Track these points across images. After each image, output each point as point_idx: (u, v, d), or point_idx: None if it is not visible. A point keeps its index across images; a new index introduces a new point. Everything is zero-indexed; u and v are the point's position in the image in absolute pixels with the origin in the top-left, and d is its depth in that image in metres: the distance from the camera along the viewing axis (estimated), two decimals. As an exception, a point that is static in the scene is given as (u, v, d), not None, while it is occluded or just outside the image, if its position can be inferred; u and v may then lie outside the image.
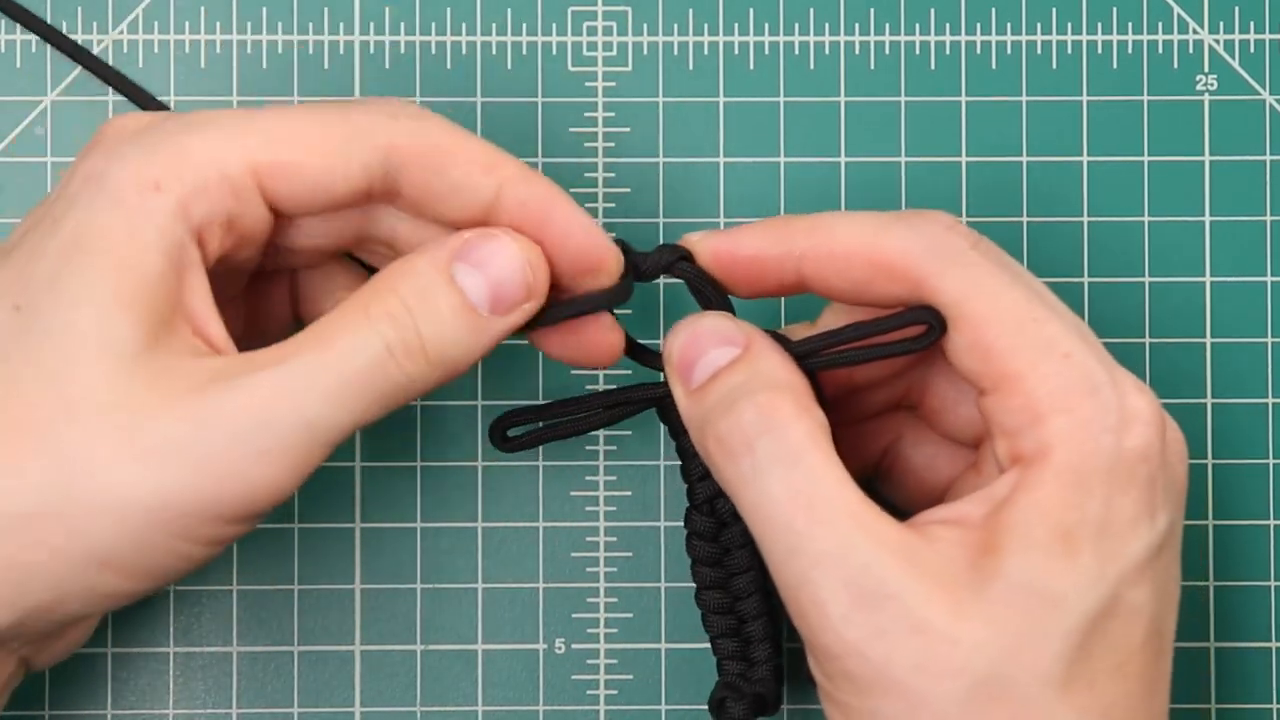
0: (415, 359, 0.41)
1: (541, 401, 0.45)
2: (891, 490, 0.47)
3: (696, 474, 0.45)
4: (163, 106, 0.50)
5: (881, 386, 0.46)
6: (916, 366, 0.45)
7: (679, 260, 0.44)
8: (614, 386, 0.48)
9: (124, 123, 0.42)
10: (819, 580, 0.40)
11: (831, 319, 0.45)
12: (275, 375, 0.39)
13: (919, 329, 0.42)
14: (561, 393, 0.49)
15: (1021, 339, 0.41)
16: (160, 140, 0.41)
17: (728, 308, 0.44)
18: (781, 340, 0.43)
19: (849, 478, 0.41)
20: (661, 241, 0.44)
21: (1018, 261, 0.43)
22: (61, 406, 0.39)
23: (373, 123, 0.41)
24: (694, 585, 0.45)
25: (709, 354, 0.42)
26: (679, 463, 0.45)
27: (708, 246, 0.44)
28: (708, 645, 0.45)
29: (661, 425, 0.46)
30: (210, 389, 0.39)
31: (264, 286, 0.45)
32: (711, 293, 0.44)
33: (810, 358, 0.43)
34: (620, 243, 0.44)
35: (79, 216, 0.40)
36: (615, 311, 0.44)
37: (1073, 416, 0.40)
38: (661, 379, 0.45)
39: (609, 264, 0.43)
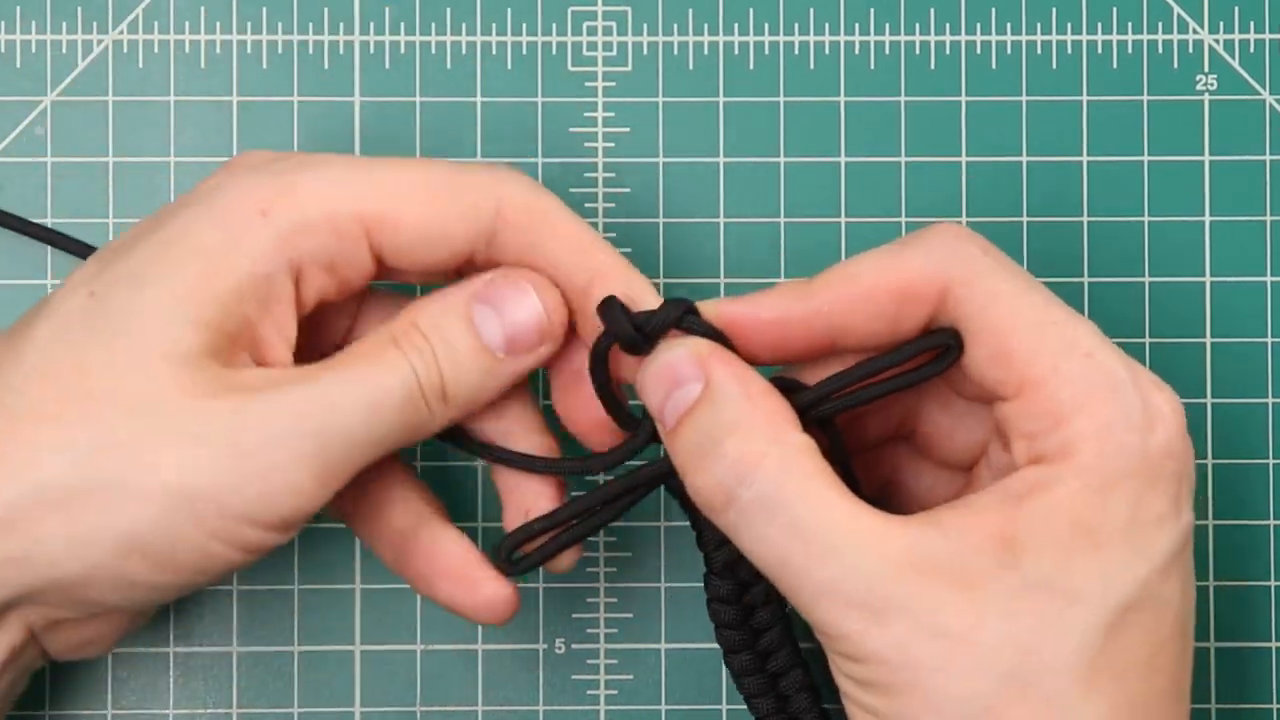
0: (436, 395, 0.42)
1: (544, 513, 0.44)
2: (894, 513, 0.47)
3: (713, 543, 0.44)
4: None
5: (878, 416, 0.45)
6: (909, 395, 0.45)
7: (685, 314, 0.42)
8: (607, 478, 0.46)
9: (255, 154, 0.44)
10: (828, 606, 0.40)
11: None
12: (313, 388, 0.41)
13: (932, 353, 0.42)
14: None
15: (1042, 343, 0.41)
16: (279, 173, 0.42)
17: None
18: (795, 386, 0.42)
19: (838, 492, 0.40)
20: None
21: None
22: (114, 394, 0.40)
23: (483, 183, 0.43)
24: (701, 591, 0.45)
25: (673, 396, 0.42)
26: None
27: (722, 313, 0.42)
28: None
29: None
30: (253, 394, 0.41)
31: (329, 313, 0.45)
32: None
33: (827, 401, 0.42)
34: (615, 302, 0.42)
35: (180, 223, 0.42)
36: None
37: (1096, 417, 0.40)
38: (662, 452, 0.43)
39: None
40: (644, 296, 0.43)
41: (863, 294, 0.42)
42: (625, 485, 0.44)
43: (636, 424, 0.44)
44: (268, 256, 0.42)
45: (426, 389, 0.42)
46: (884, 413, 0.45)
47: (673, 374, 0.42)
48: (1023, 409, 0.41)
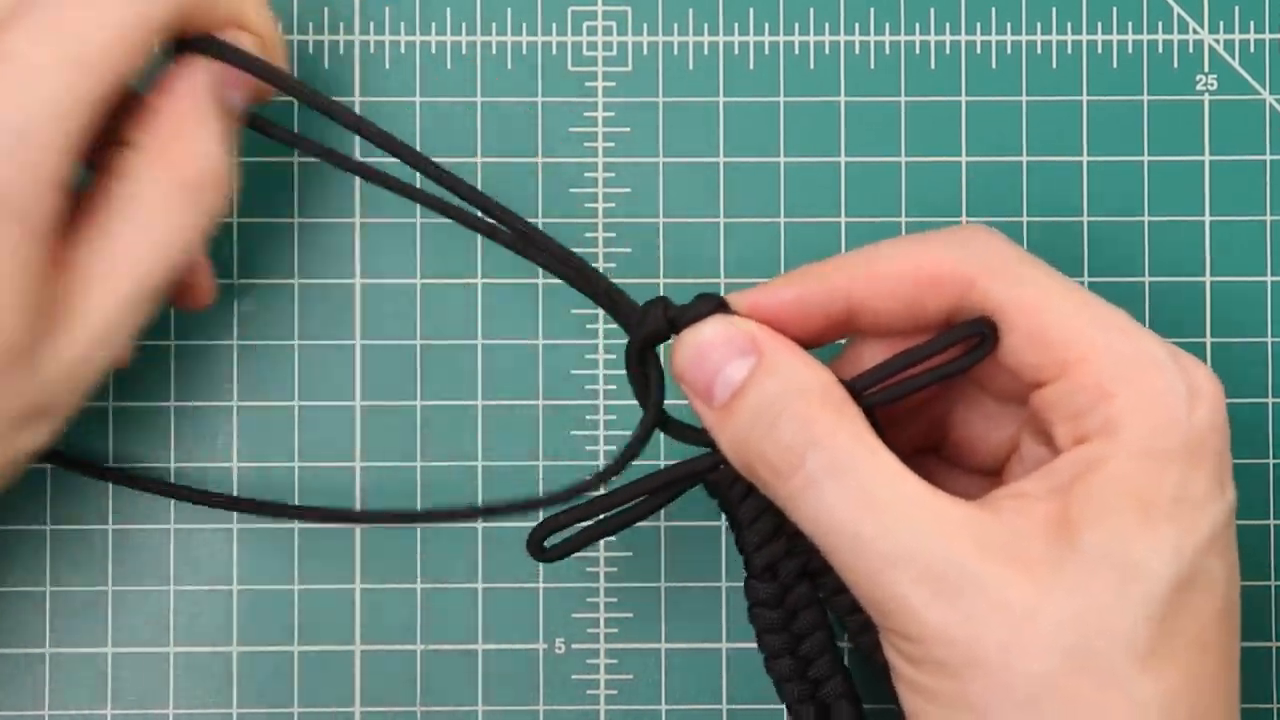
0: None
1: (576, 501, 0.44)
2: None
3: (753, 543, 0.44)
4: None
5: (908, 425, 0.46)
6: (939, 402, 0.45)
7: (718, 308, 0.42)
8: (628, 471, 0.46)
9: None
10: (895, 577, 0.39)
11: (861, 351, 0.44)
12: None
13: (967, 345, 0.42)
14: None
15: (1079, 322, 0.41)
16: (27, 120, 0.41)
17: None
18: None
19: (902, 466, 0.40)
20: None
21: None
22: None
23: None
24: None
25: (724, 370, 0.42)
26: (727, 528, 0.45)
27: (746, 302, 0.43)
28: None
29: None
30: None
31: None
32: None
33: (861, 395, 0.42)
34: (661, 300, 0.43)
35: None
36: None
37: (1140, 391, 0.40)
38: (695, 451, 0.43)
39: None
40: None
41: (887, 276, 0.42)
42: (662, 480, 0.44)
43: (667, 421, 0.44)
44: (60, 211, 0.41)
45: None
46: (914, 422, 0.45)
47: (723, 350, 0.42)
48: (1065, 389, 0.41)
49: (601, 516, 0.44)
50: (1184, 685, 0.39)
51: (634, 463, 0.45)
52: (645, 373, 0.44)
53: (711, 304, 0.42)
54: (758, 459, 0.41)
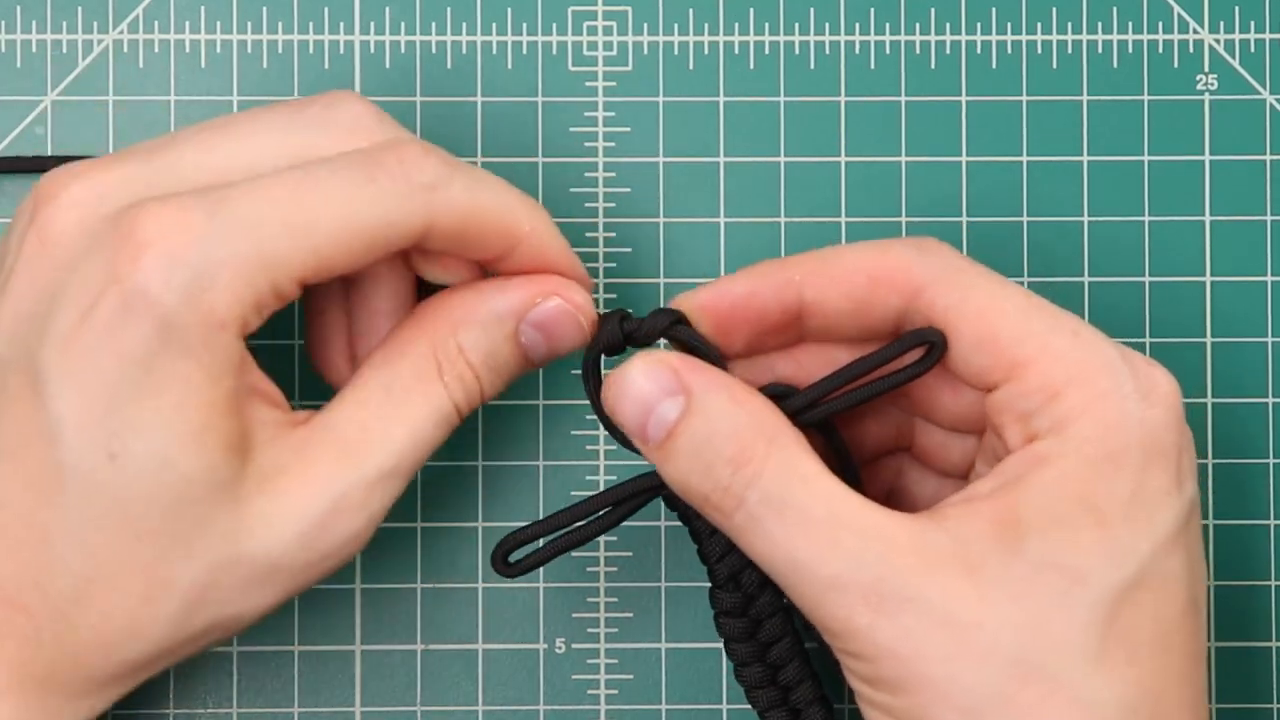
0: (474, 407, 0.43)
1: (539, 518, 0.45)
2: None
3: (714, 555, 0.44)
4: None
5: (875, 429, 0.46)
6: (898, 411, 0.45)
7: (675, 324, 0.43)
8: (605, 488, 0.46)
9: (161, 224, 0.40)
10: (838, 600, 0.40)
11: (808, 356, 0.45)
12: (361, 474, 0.42)
13: (918, 353, 0.42)
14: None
15: (1028, 324, 0.41)
16: (213, 264, 0.40)
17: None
18: (786, 392, 0.43)
19: (841, 488, 0.40)
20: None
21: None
22: (178, 549, 0.41)
23: (401, 207, 0.41)
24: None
25: (655, 411, 0.41)
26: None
27: (697, 301, 0.43)
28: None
29: None
30: (304, 502, 0.41)
31: None
32: (708, 357, 0.43)
33: (816, 405, 0.42)
34: (619, 312, 0.44)
35: (153, 365, 0.40)
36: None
37: (1090, 390, 0.40)
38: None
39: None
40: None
41: (841, 274, 0.42)
42: (622, 493, 0.44)
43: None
44: (237, 350, 0.41)
45: (464, 409, 0.43)
46: (880, 426, 0.46)
47: (649, 391, 0.42)
48: (1014, 391, 0.41)
49: (563, 531, 0.44)
50: (1146, 686, 0.39)
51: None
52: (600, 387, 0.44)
53: (669, 317, 0.43)
54: (700, 499, 0.41)
